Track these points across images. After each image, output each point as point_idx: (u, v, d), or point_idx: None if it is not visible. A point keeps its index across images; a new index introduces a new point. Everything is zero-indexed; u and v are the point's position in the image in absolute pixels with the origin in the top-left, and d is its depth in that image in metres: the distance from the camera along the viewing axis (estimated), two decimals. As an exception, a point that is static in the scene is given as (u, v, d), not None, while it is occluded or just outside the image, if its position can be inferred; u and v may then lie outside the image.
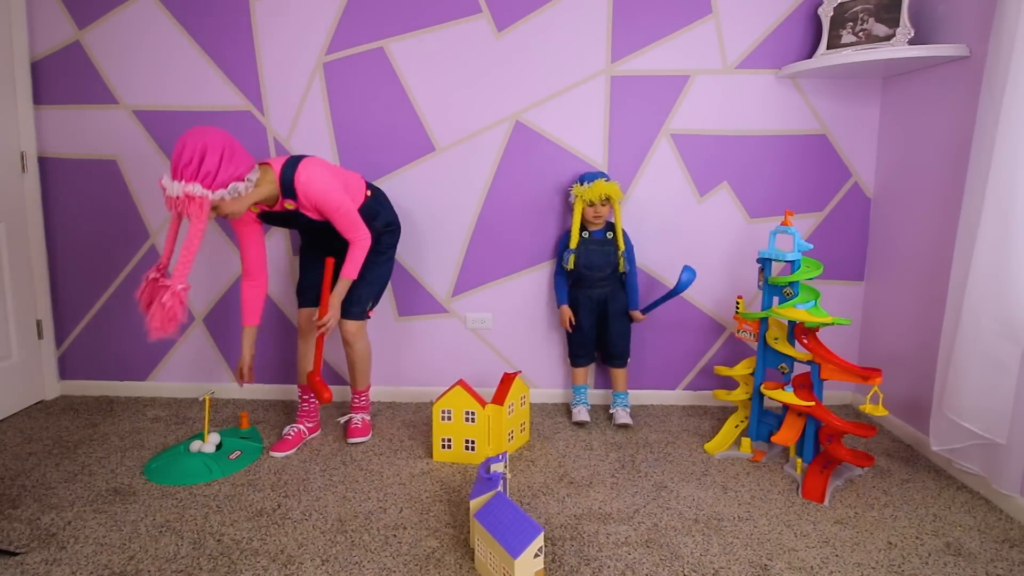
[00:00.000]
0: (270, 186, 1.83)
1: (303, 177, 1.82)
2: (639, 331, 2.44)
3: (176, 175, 1.62)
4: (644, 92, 2.37)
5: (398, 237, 2.20)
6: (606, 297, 2.28)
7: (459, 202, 2.45)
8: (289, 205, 1.89)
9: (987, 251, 1.66)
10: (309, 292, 2.13)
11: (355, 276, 1.99)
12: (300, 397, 2.20)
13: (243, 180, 1.71)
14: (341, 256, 2.01)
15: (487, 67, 2.37)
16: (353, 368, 2.19)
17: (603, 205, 2.22)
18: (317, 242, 2.13)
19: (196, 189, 1.62)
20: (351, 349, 2.14)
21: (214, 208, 1.69)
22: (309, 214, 1.92)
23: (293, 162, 1.85)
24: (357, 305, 2.06)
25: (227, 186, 1.67)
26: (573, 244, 2.29)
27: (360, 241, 1.97)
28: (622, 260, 2.25)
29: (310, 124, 2.42)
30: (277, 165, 1.85)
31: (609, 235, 2.27)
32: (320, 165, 1.89)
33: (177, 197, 1.62)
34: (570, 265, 2.28)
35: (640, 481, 1.89)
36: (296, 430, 2.13)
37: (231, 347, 2.58)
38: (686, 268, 2.22)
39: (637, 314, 2.33)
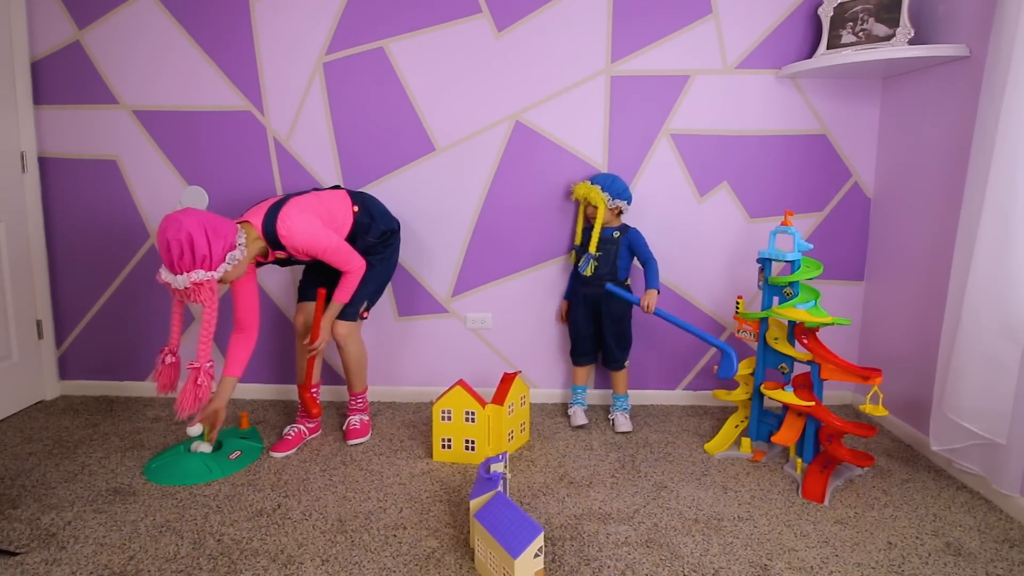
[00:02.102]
0: (257, 242, 1.85)
1: (284, 231, 1.83)
2: (639, 331, 2.43)
3: (175, 270, 1.65)
4: (644, 92, 2.37)
5: (397, 240, 2.19)
6: (600, 298, 2.26)
7: (459, 202, 2.45)
8: (280, 255, 1.92)
9: (987, 251, 1.66)
10: (308, 289, 2.13)
11: (347, 300, 2.02)
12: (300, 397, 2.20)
13: (235, 247, 1.74)
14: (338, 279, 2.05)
15: (487, 67, 2.37)
16: (347, 371, 2.19)
17: (593, 206, 2.22)
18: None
19: (200, 275, 1.66)
20: (344, 352, 2.13)
21: (220, 282, 1.73)
22: (301, 258, 1.95)
23: (272, 214, 1.85)
24: (350, 305, 2.06)
25: (225, 259, 1.71)
26: (577, 240, 2.35)
27: (354, 271, 1.99)
28: (591, 264, 2.20)
29: (310, 124, 2.42)
30: (257, 220, 1.85)
31: (616, 235, 2.25)
32: (298, 209, 1.87)
33: (186, 288, 1.66)
34: (573, 260, 2.35)
35: (640, 481, 1.89)
36: (296, 430, 2.13)
37: (231, 347, 2.58)
38: (726, 361, 1.99)
39: (649, 296, 2.15)
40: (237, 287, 1.96)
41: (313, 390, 2.18)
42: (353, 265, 1.99)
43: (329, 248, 1.91)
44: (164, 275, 1.68)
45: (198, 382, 1.82)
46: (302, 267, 2.21)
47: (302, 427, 2.15)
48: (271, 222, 1.84)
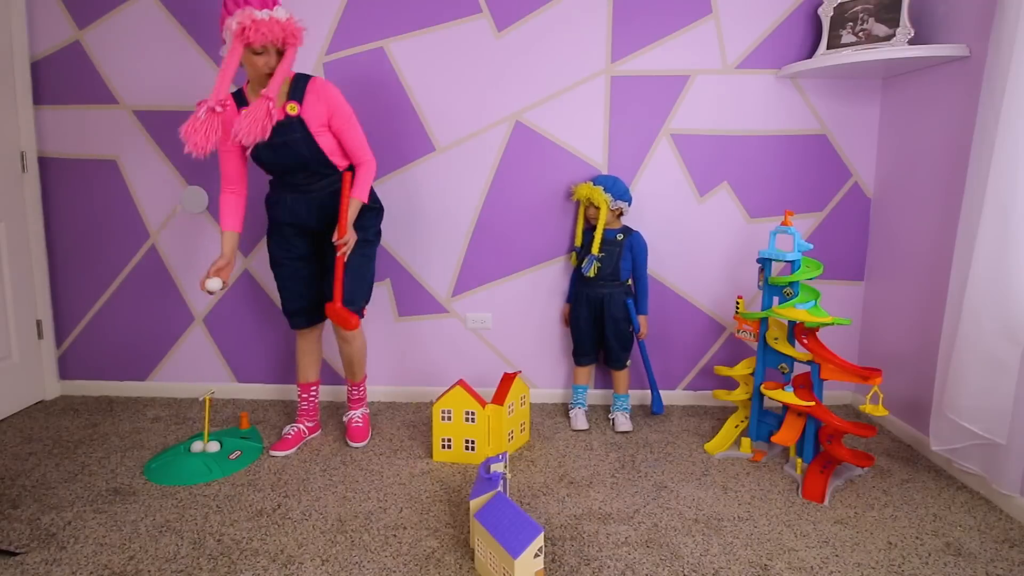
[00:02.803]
0: (286, 81, 1.83)
1: (321, 80, 1.84)
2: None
3: (270, 3, 1.71)
4: (644, 92, 2.38)
5: (381, 221, 2.15)
6: (603, 298, 2.26)
7: (459, 202, 2.45)
8: (291, 108, 1.81)
9: (987, 251, 1.66)
10: (301, 316, 2.09)
11: (365, 199, 1.96)
12: (300, 396, 2.20)
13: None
14: (322, 268, 2.03)
15: (487, 67, 2.37)
16: (351, 363, 2.15)
17: (595, 207, 2.23)
18: (295, 239, 2.01)
19: (294, 20, 1.74)
20: (350, 346, 2.10)
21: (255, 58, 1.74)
22: (310, 125, 1.82)
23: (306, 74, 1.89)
24: (352, 305, 2.02)
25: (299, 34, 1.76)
26: (577, 242, 2.36)
27: (368, 163, 1.96)
28: (595, 265, 2.20)
29: (310, 124, 2.42)
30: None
31: (619, 236, 2.26)
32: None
33: (285, 20, 1.70)
34: (573, 261, 2.36)
35: (640, 481, 1.89)
36: (296, 430, 2.13)
37: (231, 347, 2.58)
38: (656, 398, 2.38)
39: (644, 323, 2.32)
40: (231, 147, 1.90)
41: (312, 390, 2.18)
42: (369, 156, 1.97)
43: (352, 119, 1.90)
44: (256, 14, 1.66)
45: (270, 108, 1.72)
46: (279, 288, 2.08)
47: (302, 427, 2.15)
48: (305, 75, 1.86)
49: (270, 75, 1.77)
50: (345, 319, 1.94)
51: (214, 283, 1.86)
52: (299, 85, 1.84)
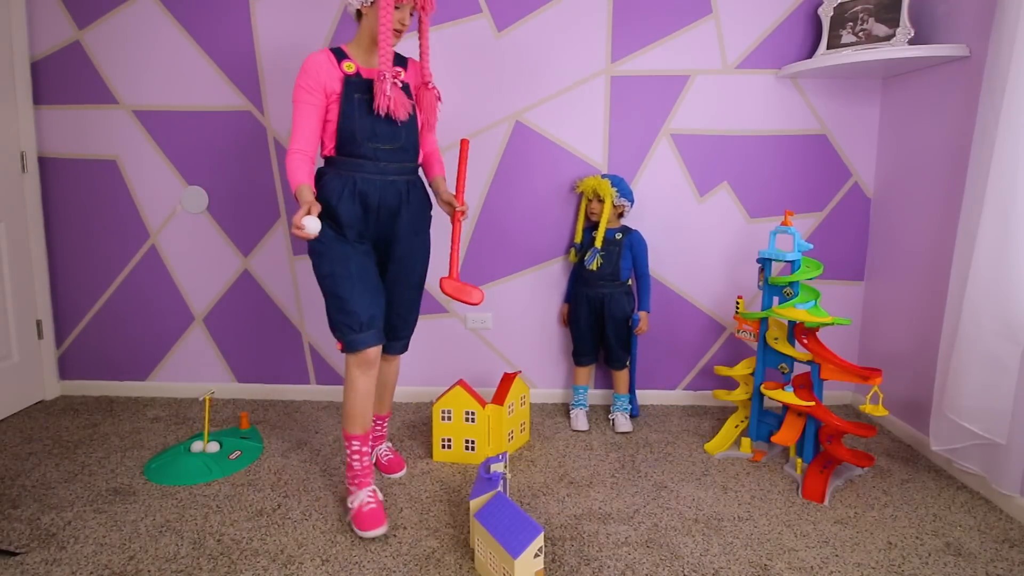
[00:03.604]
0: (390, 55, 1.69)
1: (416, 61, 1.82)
2: (639, 331, 2.44)
3: None
4: (644, 92, 2.38)
5: None
6: (603, 298, 2.27)
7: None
8: (401, 71, 1.69)
9: (987, 251, 1.66)
10: (373, 328, 1.66)
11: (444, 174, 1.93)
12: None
13: None
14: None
15: (487, 67, 2.37)
16: (385, 387, 1.96)
17: (598, 202, 2.24)
18: (355, 242, 1.71)
19: None
20: (391, 366, 1.94)
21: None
22: (402, 102, 1.68)
23: None
24: (409, 339, 1.93)
25: None
26: (577, 238, 2.36)
27: (438, 146, 1.98)
28: (597, 258, 2.21)
29: (310, 124, 2.42)
30: None
31: (619, 236, 2.26)
32: None
33: None
34: (572, 258, 2.36)
35: (640, 481, 1.89)
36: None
37: (231, 347, 2.58)
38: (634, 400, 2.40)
39: (643, 319, 2.30)
40: (319, 107, 1.67)
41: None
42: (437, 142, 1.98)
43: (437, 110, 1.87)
44: None
45: (437, 94, 1.84)
46: (344, 285, 1.66)
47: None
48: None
49: (398, 34, 1.66)
50: (469, 292, 1.75)
51: (313, 223, 1.49)
52: (400, 58, 1.82)
